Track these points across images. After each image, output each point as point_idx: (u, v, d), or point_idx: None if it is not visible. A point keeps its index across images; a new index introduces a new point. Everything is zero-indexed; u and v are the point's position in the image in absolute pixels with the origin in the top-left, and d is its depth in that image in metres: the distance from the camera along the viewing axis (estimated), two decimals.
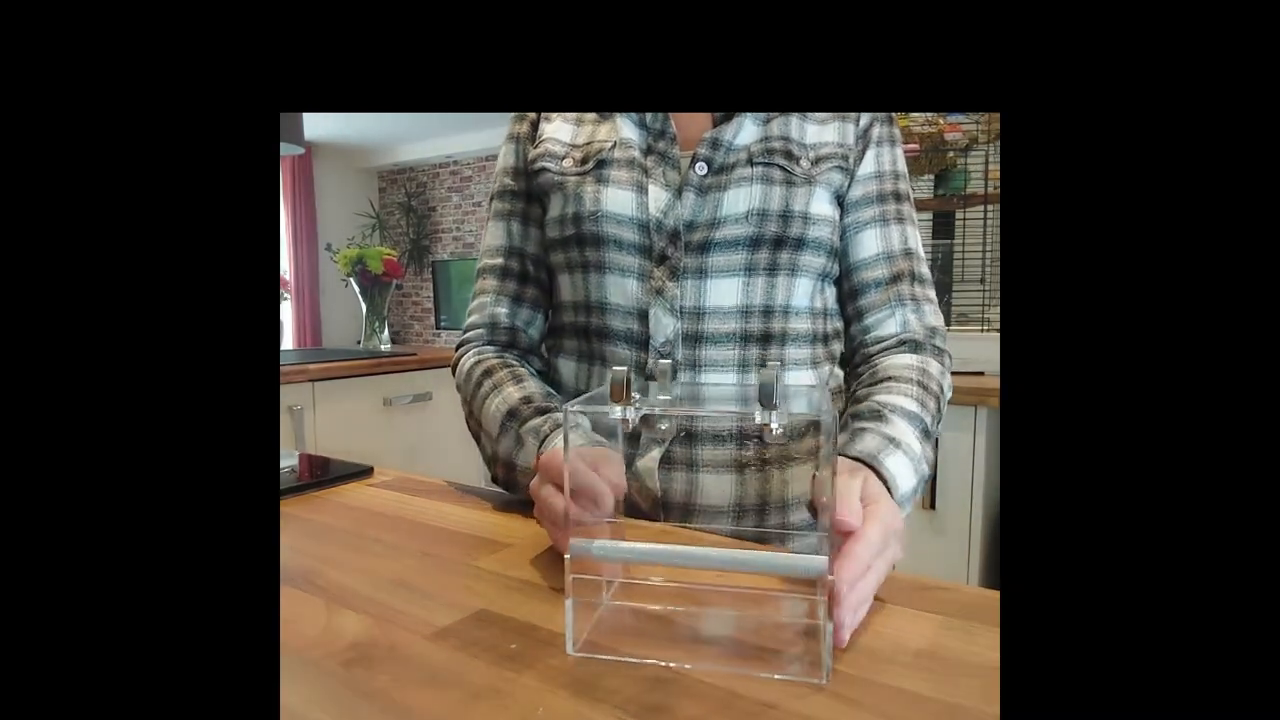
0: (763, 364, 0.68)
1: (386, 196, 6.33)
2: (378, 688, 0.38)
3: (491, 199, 0.83)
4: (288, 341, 5.70)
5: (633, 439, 0.70)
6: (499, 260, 0.80)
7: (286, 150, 1.99)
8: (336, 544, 0.59)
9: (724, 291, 0.68)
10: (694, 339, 0.68)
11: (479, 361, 0.77)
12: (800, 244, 0.68)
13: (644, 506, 0.69)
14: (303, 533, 0.63)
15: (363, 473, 0.82)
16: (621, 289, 0.70)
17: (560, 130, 0.75)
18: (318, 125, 5.21)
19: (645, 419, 0.68)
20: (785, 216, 0.68)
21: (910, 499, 0.61)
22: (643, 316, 0.69)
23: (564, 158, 0.73)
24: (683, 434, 0.68)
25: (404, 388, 2.21)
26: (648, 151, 0.71)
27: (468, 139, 5.48)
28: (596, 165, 0.71)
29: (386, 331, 2.52)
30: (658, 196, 0.69)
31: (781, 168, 0.68)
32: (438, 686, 0.38)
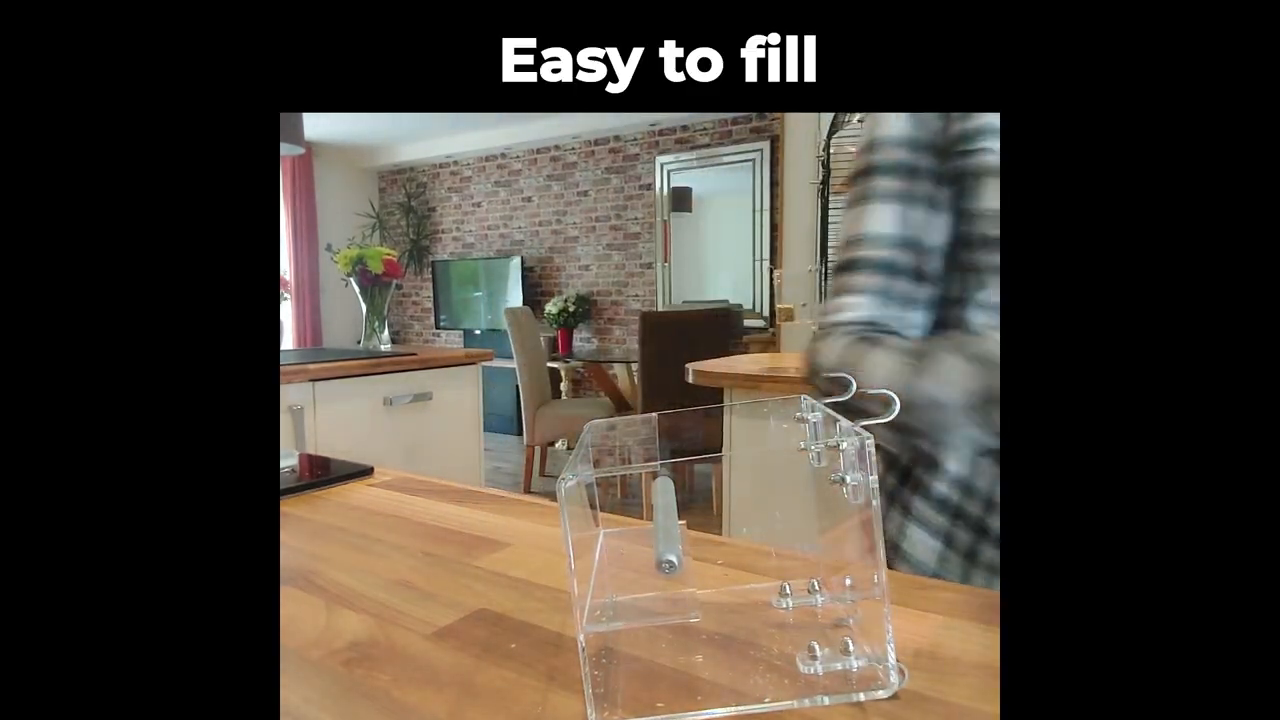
0: None
1: (386, 196, 6.33)
2: (378, 687, 0.38)
3: (870, 174, 0.64)
4: (288, 341, 5.70)
5: None
6: (884, 252, 0.62)
7: (286, 150, 1.99)
8: (336, 544, 0.59)
9: None
10: None
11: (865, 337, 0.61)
12: None
13: None
14: (303, 533, 0.63)
15: (363, 473, 0.82)
16: None
17: None
18: (318, 125, 5.21)
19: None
20: None
21: None
22: None
23: None
24: None
25: (404, 388, 2.21)
26: None
27: (468, 139, 5.48)
28: None
29: (386, 331, 2.51)
30: None
31: None
32: (438, 686, 0.38)
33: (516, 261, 5.28)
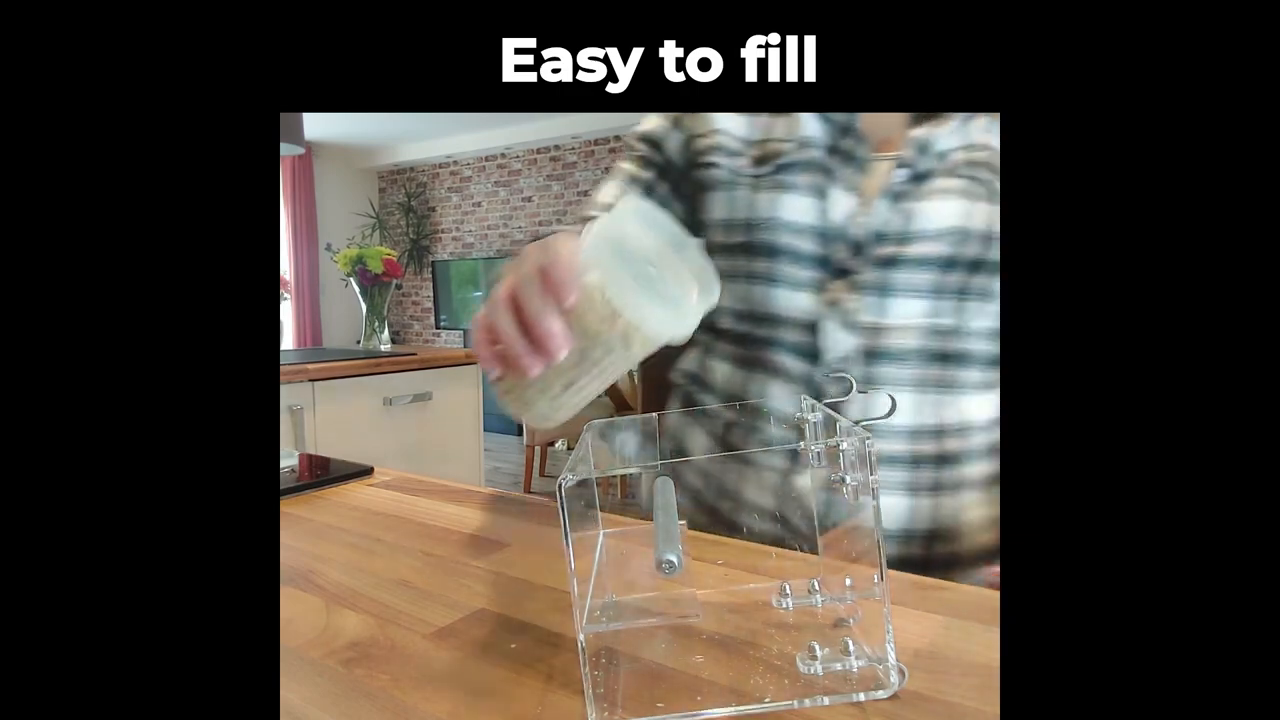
0: (940, 385, 0.63)
1: (386, 196, 6.33)
2: (378, 687, 0.38)
3: (620, 159, 0.75)
4: (288, 341, 5.70)
5: (793, 454, 0.64)
6: (597, 213, 0.71)
7: (286, 150, 1.99)
8: (336, 544, 0.59)
9: (908, 310, 0.60)
10: (871, 356, 0.61)
11: None
12: (998, 269, 0.59)
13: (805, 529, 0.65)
14: (303, 533, 0.63)
15: (363, 473, 0.82)
16: (791, 301, 0.63)
17: (734, 121, 0.68)
18: (318, 125, 5.21)
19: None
20: (988, 239, 0.59)
21: None
22: (812, 330, 0.63)
23: (738, 155, 0.66)
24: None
25: (404, 388, 2.21)
26: (831, 150, 0.63)
27: (468, 139, 5.48)
28: (776, 170, 0.63)
29: (386, 331, 2.51)
30: (841, 202, 0.61)
31: (986, 183, 0.59)
32: (438, 686, 0.38)
33: None
